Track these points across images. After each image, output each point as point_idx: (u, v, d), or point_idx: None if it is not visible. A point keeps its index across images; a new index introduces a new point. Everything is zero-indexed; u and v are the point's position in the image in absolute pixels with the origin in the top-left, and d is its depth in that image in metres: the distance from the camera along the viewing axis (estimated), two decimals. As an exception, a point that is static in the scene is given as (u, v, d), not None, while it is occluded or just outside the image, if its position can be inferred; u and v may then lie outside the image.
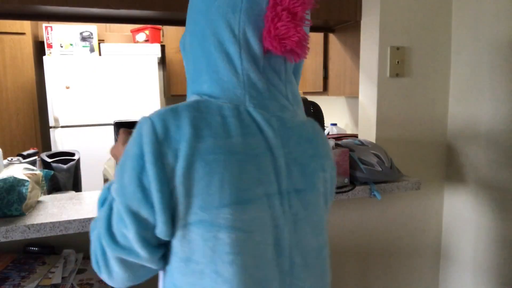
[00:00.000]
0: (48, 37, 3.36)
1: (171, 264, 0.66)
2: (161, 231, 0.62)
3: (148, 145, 0.60)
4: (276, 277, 0.66)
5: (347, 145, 1.45)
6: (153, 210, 0.61)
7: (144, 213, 0.61)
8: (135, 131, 0.63)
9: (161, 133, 0.60)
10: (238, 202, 0.61)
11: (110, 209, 0.65)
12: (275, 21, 0.62)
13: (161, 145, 0.59)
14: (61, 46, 3.38)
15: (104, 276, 0.68)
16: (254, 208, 0.63)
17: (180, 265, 0.64)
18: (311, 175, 0.71)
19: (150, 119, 0.61)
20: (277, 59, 0.68)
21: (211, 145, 0.60)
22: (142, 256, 0.64)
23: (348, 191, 1.37)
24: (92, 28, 3.45)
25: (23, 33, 3.38)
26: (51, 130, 3.27)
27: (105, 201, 0.70)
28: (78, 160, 1.78)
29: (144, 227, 0.62)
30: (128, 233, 0.62)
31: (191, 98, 0.69)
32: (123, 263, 0.65)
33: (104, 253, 0.65)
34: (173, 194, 0.60)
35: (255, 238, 0.63)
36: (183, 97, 4.24)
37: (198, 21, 0.67)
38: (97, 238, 0.67)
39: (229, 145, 0.62)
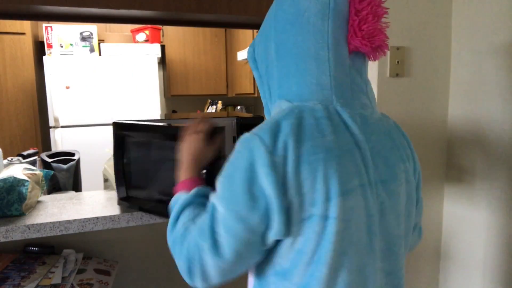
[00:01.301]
0: (48, 37, 3.36)
1: (268, 267, 0.72)
2: (278, 231, 0.68)
3: (260, 158, 0.67)
4: (369, 262, 0.72)
5: (347, 145, 1.45)
6: (267, 215, 0.67)
7: (255, 219, 0.67)
8: (241, 146, 0.70)
9: (269, 145, 0.67)
10: (340, 194, 0.68)
11: (212, 219, 0.71)
12: (361, 24, 0.72)
13: (272, 155, 0.67)
14: (61, 46, 3.38)
15: (197, 282, 0.73)
16: (353, 198, 0.69)
17: (292, 257, 0.69)
18: (393, 166, 0.78)
19: (256, 134, 0.69)
20: (359, 59, 0.76)
21: (310, 147, 0.67)
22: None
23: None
24: (92, 28, 3.45)
25: (23, 33, 3.38)
26: (51, 130, 3.27)
27: (183, 211, 0.78)
28: (78, 160, 1.78)
29: (252, 233, 0.68)
30: (233, 241, 0.69)
31: (280, 104, 0.76)
32: (223, 270, 0.71)
33: (202, 263, 0.71)
34: (286, 196, 0.67)
35: (352, 226, 0.69)
36: (182, 97, 4.24)
37: (287, 30, 0.75)
38: (194, 247, 0.72)
39: (325, 144, 0.69)
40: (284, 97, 0.76)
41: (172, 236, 0.78)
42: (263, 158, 0.67)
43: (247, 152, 0.68)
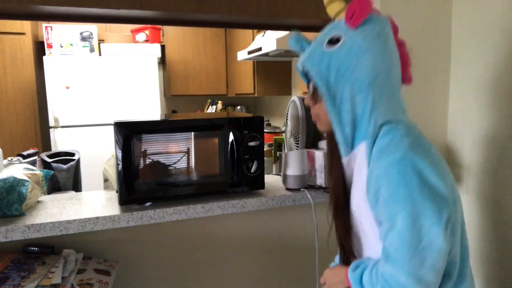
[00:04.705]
0: (48, 37, 3.36)
1: None
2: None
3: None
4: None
5: (347, 145, 1.45)
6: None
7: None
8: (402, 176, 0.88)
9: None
10: (455, 182, 0.94)
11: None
12: (407, 67, 1.00)
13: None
14: (61, 46, 3.38)
15: None
16: (454, 185, 0.94)
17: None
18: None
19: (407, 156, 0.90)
20: None
21: (428, 151, 0.90)
22: None
23: (348, 191, 1.37)
24: (92, 28, 3.46)
25: (23, 33, 3.38)
26: (51, 130, 3.27)
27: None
28: (78, 160, 1.78)
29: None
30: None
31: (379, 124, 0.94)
32: None
33: None
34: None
35: (459, 221, 0.95)
36: (182, 97, 4.24)
37: (383, 68, 0.94)
38: None
39: (433, 151, 0.93)
40: (387, 120, 0.93)
41: None
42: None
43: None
